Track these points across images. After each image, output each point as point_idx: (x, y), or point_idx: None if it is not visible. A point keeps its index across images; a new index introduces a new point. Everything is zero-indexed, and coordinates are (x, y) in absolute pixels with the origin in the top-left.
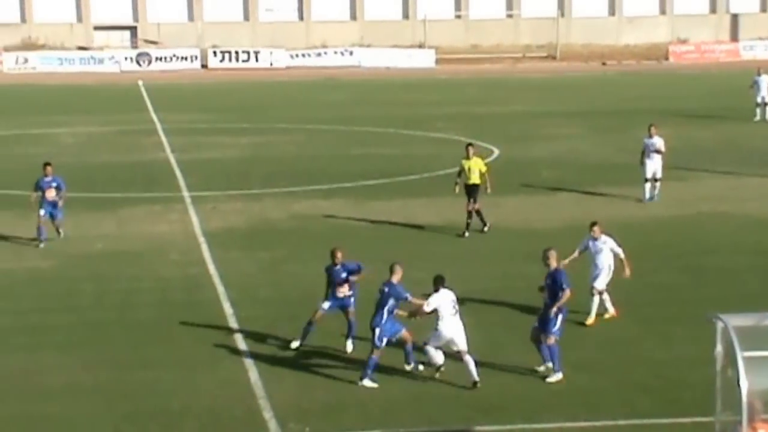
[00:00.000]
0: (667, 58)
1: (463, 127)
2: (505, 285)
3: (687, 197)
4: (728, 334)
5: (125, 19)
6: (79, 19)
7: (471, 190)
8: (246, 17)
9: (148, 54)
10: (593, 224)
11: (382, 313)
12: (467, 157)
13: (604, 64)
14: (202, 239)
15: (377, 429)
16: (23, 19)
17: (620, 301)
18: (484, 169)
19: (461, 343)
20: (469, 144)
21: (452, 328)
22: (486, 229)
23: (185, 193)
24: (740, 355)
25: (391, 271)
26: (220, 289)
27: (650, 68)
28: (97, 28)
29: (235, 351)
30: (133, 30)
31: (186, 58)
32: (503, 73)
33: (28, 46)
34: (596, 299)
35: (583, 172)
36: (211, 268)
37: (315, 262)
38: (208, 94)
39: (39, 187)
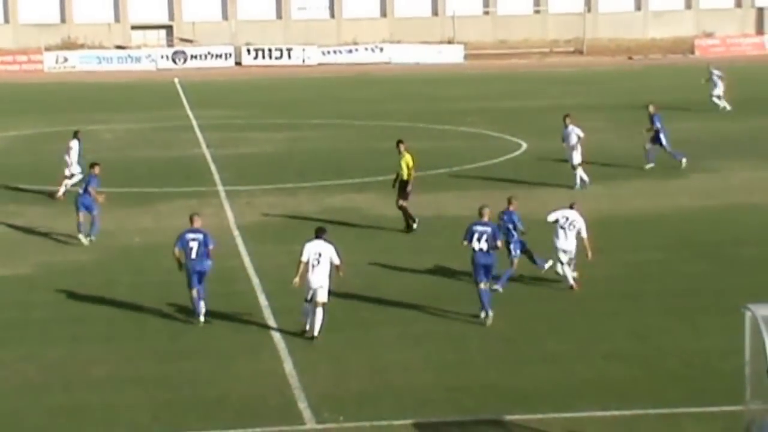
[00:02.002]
0: (693, 52)
1: (491, 121)
2: (536, 275)
3: (716, 189)
4: (756, 324)
5: (161, 19)
6: (117, 19)
7: (401, 186)
8: (279, 15)
9: (183, 52)
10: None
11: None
12: (399, 153)
13: (630, 58)
14: (237, 233)
15: (411, 418)
16: (63, 20)
17: (651, 291)
18: (411, 164)
19: (321, 295)
20: (399, 141)
21: (316, 278)
22: (415, 226)
23: (220, 188)
24: None
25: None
26: (255, 281)
27: (676, 62)
28: (134, 27)
29: (271, 341)
30: (169, 29)
31: (220, 56)
32: (531, 68)
33: (68, 45)
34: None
35: (611, 165)
36: (246, 261)
37: (347, 254)
38: (242, 91)
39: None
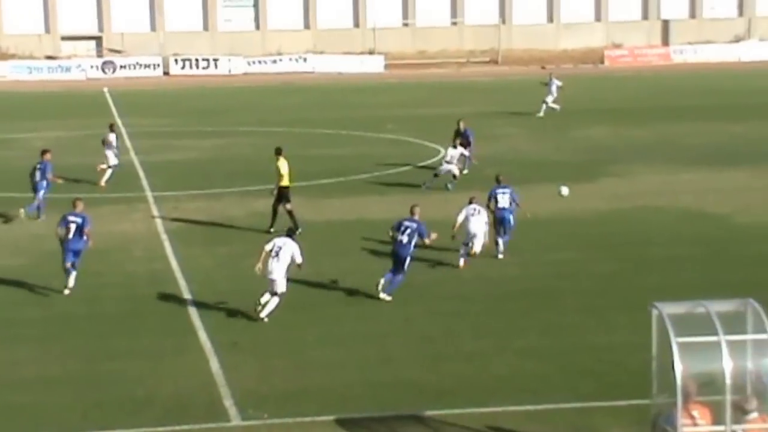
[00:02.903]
0: (602, 62)
1: (412, 128)
2: (455, 275)
3: (625, 192)
4: (663, 321)
5: (91, 30)
6: (47, 30)
7: (285, 193)
8: (206, 27)
9: (112, 62)
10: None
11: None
12: (277, 159)
13: (543, 68)
14: (164, 236)
15: (334, 414)
16: None
17: (565, 290)
18: (286, 170)
19: (275, 286)
20: (278, 148)
21: (271, 268)
22: (299, 231)
23: (149, 193)
24: (674, 341)
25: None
26: (182, 283)
27: (587, 71)
28: (64, 38)
29: (197, 341)
30: (98, 40)
31: (149, 66)
32: (449, 77)
33: None
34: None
35: (525, 170)
36: (174, 264)
37: None
38: (170, 100)
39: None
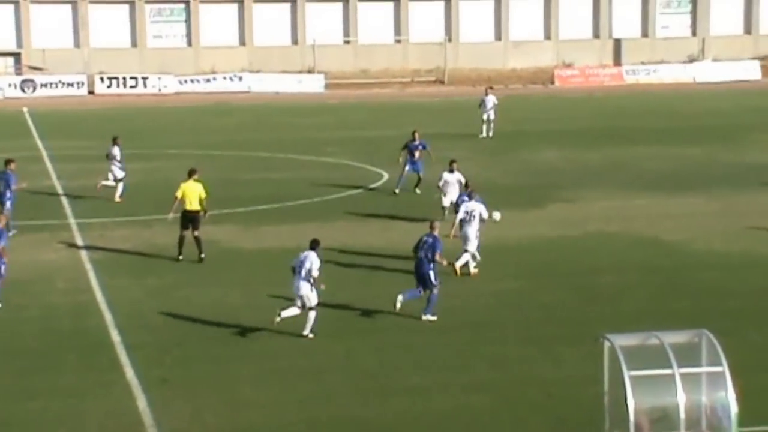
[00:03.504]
0: (552, 82)
1: (353, 151)
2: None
3: (574, 218)
4: (615, 353)
5: (9, 46)
6: None
7: (190, 218)
8: (134, 43)
9: (32, 80)
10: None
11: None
12: (197, 181)
13: (491, 88)
14: (89, 266)
15: None
16: None
17: (511, 321)
18: (204, 195)
19: (307, 301)
20: (192, 169)
21: (297, 284)
22: (203, 255)
23: (72, 221)
24: (627, 375)
25: None
26: (108, 316)
27: (536, 92)
28: None
29: (123, 378)
30: (17, 56)
31: (72, 85)
32: (392, 98)
33: None
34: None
35: None
36: (99, 295)
37: (205, 287)
38: (95, 121)
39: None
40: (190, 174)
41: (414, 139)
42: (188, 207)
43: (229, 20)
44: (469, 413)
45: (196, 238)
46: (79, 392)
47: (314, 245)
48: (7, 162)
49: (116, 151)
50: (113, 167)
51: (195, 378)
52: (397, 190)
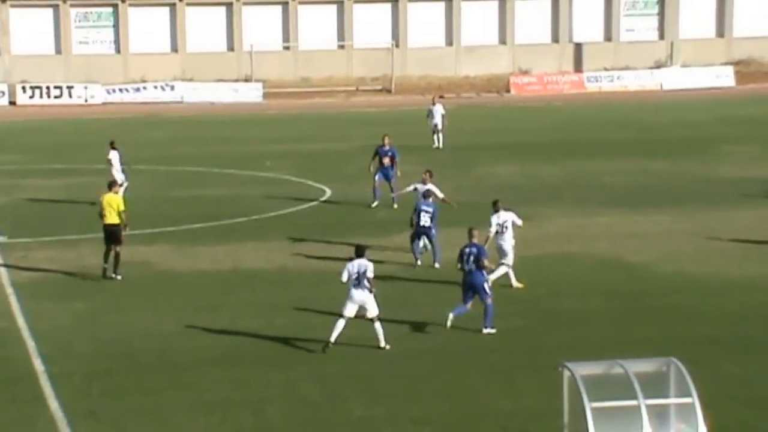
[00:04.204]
0: (508, 90)
1: (293, 165)
2: (343, 334)
3: (532, 237)
4: (575, 383)
5: None
6: None
7: (109, 232)
8: (58, 50)
9: None
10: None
11: None
12: (115, 193)
13: (441, 97)
14: (10, 290)
15: None
16: None
17: (464, 348)
18: (122, 207)
19: (370, 311)
20: (112, 181)
21: (359, 295)
22: (118, 276)
23: None
24: (588, 406)
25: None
26: (31, 343)
27: (491, 101)
28: None
29: (47, 411)
30: None
31: None
32: (336, 108)
33: None
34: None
35: None
36: (21, 321)
37: (136, 312)
38: (16, 133)
39: None
40: (110, 186)
41: (383, 144)
42: (107, 221)
43: (161, 25)
44: None
45: (116, 255)
46: None
47: (363, 251)
48: None
49: (113, 155)
50: (114, 172)
51: (125, 410)
52: (374, 204)
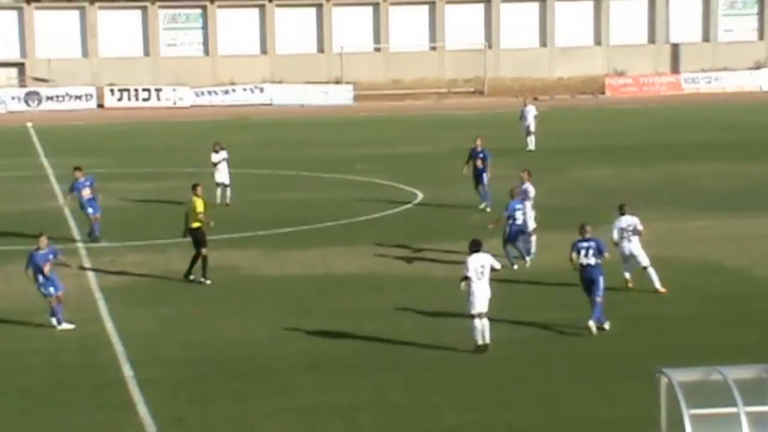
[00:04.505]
0: (603, 92)
1: (383, 168)
2: (436, 339)
3: None
4: (673, 390)
5: (12, 55)
6: None
7: (192, 235)
8: (146, 52)
9: (37, 93)
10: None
11: None
12: (196, 196)
13: (535, 99)
14: (99, 295)
15: None
16: None
17: (558, 354)
18: (200, 209)
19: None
20: (196, 184)
21: (481, 290)
22: (207, 281)
23: (80, 245)
24: (686, 414)
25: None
26: (119, 348)
27: (585, 103)
28: None
29: (136, 417)
30: (20, 67)
31: (80, 97)
32: (427, 110)
33: None
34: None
35: None
36: (109, 327)
37: (224, 317)
38: (105, 137)
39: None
40: (194, 188)
41: (476, 146)
42: (189, 225)
43: (250, 27)
44: None
45: (203, 258)
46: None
47: (479, 246)
48: None
49: (216, 157)
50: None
51: (213, 416)
52: (484, 206)
